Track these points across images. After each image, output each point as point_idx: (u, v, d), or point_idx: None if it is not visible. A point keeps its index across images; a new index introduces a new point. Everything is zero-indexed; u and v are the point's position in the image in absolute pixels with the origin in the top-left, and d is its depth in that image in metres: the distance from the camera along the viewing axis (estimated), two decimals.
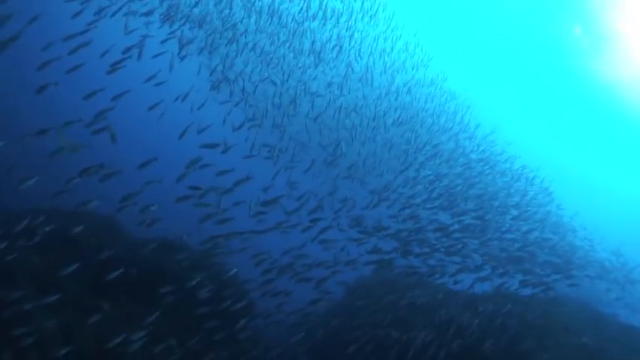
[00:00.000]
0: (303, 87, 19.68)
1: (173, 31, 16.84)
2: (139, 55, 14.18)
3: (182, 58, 15.49)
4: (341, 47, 20.67)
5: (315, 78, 20.56)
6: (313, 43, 19.68)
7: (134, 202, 12.22)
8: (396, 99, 21.51)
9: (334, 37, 21.22)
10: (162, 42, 16.19)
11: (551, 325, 16.45)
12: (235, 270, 15.12)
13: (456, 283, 18.04)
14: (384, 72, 22.74)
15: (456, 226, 19.95)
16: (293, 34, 19.87)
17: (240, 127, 16.07)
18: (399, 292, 18.84)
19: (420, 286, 19.39)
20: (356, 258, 16.74)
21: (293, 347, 17.10)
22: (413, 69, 23.43)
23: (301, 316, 16.09)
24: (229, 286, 15.09)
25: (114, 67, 12.62)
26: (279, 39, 20.02)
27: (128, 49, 13.93)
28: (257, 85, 18.71)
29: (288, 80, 19.05)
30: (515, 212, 21.83)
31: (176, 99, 14.97)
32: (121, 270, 12.35)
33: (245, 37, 19.60)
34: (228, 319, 14.34)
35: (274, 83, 18.31)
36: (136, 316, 12.21)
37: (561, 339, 15.39)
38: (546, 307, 18.93)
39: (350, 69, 21.05)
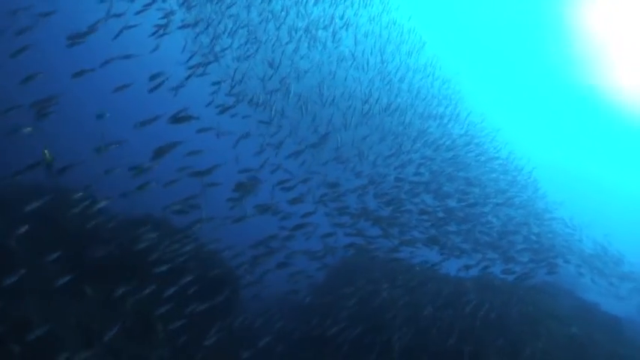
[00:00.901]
0: (294, 67, 18.14)
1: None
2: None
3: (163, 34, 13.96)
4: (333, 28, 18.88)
5: (304, 58, 19.08)
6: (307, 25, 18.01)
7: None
8: (388, 83, 20.26)
9: (327, 17, 19.88)
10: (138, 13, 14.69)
11: (541, 313, 16.11)
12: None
13: (434, 265, 17.44)
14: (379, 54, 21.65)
15: (439, 211, 19.34)
16: (286, 13, 18.32)
17: (227, 108, 14.70)
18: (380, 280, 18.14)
19: (403, 272, 18.68)
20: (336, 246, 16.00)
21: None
22: (407, 55, 22.54)
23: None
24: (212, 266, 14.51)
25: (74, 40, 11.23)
26: (271, 16, 18.57)
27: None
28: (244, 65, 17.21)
29: (279, 63, 17.64)
30: (500, 199, 21.29)
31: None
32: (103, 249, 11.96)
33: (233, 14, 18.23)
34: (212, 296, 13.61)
35: (270, 65, 17.19)
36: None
37: (552, 328, 15.00)
38: (534, 294, 18.68)
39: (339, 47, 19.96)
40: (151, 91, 12.28)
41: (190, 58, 16.23)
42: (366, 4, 21.06)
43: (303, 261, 15.40)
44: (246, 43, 18.39)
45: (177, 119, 11.83)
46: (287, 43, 18.86)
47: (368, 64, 20.16)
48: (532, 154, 42.21)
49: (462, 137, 21.69)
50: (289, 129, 17.47)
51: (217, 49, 17.63)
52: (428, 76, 22.23)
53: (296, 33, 18.59)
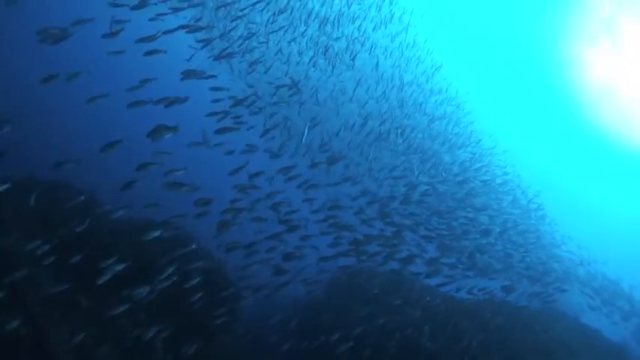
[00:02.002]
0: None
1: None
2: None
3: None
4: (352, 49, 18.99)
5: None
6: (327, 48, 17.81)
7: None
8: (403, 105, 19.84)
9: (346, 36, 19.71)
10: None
11: (553, 342, 15.99)
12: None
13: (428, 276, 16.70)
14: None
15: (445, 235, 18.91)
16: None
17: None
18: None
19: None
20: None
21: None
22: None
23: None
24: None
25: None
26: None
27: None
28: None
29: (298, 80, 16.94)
30: (507, 225, 20.76)
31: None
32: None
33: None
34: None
35: (293, 84, 16.34)
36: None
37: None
38: (543, 321, 18.35)
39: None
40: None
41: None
42: (385, 23, 20.47)
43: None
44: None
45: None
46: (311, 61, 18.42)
47: (387, 85, 19.64)
48: (539, 175, 42.50)
49: (471, 161, 21.25)
50: (300, 144, 16.81)
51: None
52: (443, 100, 21.93)
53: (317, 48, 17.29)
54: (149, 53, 12.14)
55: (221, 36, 16.81)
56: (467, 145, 21.74)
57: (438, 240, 18.98)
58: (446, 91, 22.61)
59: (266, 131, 13.67)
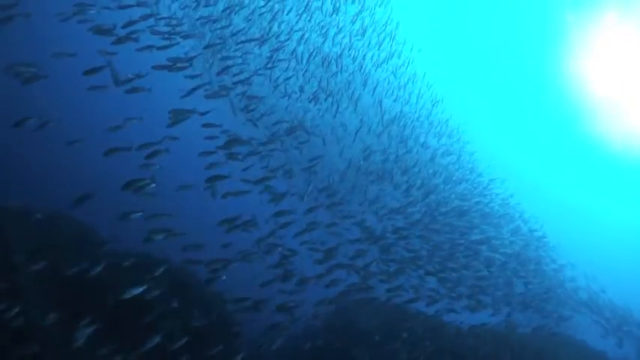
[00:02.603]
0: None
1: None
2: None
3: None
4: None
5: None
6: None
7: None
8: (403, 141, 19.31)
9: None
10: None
11: None
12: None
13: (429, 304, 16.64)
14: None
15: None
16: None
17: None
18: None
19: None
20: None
21: None
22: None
23: None
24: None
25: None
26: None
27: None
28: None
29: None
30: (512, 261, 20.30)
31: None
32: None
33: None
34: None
35: (306, 131, 16.45)
36: None
37: None
38: (553, 347, 18.17)
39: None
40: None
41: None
42: (387, 59, 20.02)
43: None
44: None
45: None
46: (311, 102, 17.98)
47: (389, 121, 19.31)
48: (541, 191, 43.63)
49: (472, 194, 20.94)
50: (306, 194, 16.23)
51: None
52: (443, 133, 21.57)
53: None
54: (132, 91, 11.22)
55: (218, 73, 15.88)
56: (467, 178, 21.35)
57: (440, 274, 18.07)
58: (445, 122, 22.21)
59: (264, 178, 12.40)
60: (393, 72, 20.46)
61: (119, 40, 11.85)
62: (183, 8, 18.35)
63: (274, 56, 17.54)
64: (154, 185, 9.87)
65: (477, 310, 18.47)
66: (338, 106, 18.28)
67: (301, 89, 18.20)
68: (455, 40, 44.31)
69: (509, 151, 48.46)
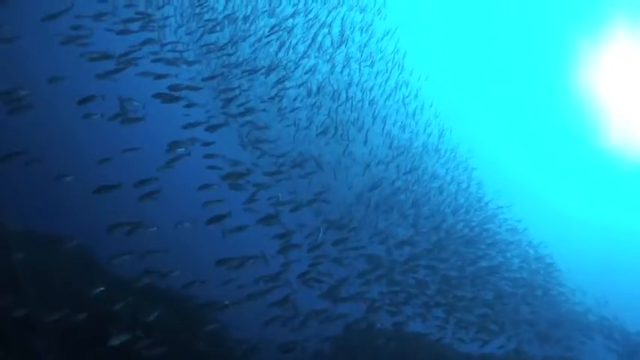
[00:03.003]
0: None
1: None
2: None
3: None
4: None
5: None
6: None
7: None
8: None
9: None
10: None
11: None
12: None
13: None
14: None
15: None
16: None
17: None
18: None
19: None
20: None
21: None
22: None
23: None
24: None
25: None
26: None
27: None
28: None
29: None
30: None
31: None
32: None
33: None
34: None
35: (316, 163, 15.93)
36: None
37: None
38: None
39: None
40: None
41: None
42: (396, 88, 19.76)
43: None
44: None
45: None
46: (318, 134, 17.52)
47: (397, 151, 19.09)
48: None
49: (480, 223, 20.32)
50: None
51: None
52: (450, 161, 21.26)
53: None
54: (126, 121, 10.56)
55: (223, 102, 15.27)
56: (475, 206, 20.96)
57: (448, 304, 17.62)
58: (453, 151, 21.86)
59: (270, 216, 11.65)
60: (402, 101, 20.23)
61: (119, 66, 11.23)
62: (189, 34, 17.90)
63: (281, 85, 16.96)
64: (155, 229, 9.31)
65: (485, 340, 17.74)
66: (348, 137, 17.91)
67: (309, 119, 17.59)
68: (463, 65, 44.07)
69: (520, 169, 48.09)
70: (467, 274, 18.50)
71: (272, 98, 17.02)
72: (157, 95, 11.46)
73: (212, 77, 16.12)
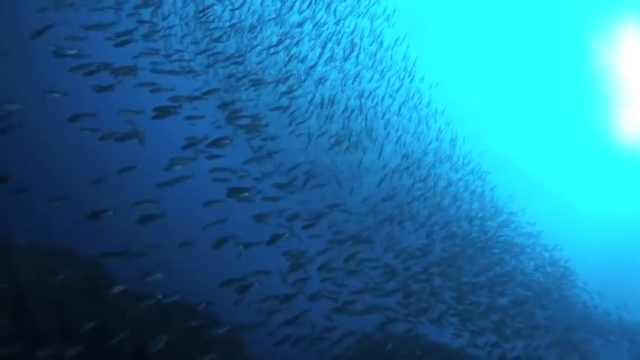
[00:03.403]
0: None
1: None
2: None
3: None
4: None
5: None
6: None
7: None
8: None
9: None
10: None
11: None
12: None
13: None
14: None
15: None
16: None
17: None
18: None
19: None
20: None
21: None
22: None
23: None
24: None
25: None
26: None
27: None
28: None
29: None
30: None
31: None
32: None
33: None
34: None
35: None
36: None
37: None
38: None
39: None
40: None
41: None
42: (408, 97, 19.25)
43: None
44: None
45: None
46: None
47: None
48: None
49: (496, 231, 19.86)
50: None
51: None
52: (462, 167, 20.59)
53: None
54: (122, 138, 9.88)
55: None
56: (490, 214, 20.42)
57: (464, 312, 17.15)
58: (465, 157, 21.14)
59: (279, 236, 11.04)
60: (415, 108, 19.75)
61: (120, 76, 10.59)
62: (195, 43, 17.33)
63: (291, 95, 16.37)
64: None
65: (502, 346, 17.16)
66: (364, 148, 17.65)
67: (321, 130, 17.02)
68: (474, 67, 43.56)
69: (535, 167, 46.99)
70: (482, 280, 17.94)
71: (283, 109, 16.47)
72: (159, 108, 10.84)
73: (213, 90, 15.65)
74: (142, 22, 12.59)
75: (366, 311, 14.07)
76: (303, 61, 18.23)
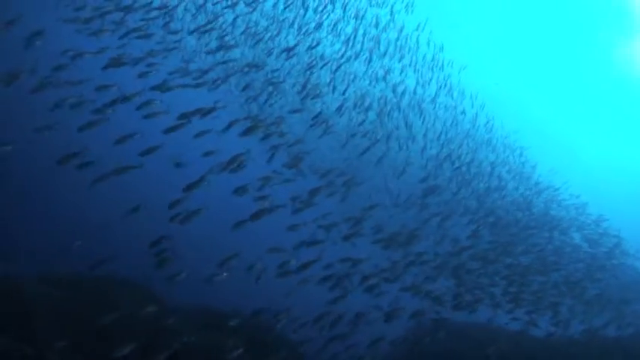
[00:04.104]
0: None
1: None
2: None
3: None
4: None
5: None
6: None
7: None
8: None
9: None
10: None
11: None
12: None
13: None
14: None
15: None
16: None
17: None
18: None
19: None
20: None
21: None
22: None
23: None
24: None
25: None
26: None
27: None
28: None
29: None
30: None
31: None
32: None
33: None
34: None
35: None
36: None
37: None
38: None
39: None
40: None
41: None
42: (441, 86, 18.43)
43: None
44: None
45: None
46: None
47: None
48: None
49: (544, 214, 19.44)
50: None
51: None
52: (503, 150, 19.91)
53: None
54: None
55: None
56: (534, 191, 19.76)
57: (518, 293, 16.48)
58: (503, 138, 20.57)
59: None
60: (449, 93, 18.91)
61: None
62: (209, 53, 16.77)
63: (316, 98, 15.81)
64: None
65: (557, 324, 16.84)
66: (400, 144, 16.84)
67: (357, 129, 16.35)
68: (501, 46, 41.97)
69: (575, 138, 45.42)
70: (533, 261, 17.38)
71: (316, 114, 15.79)
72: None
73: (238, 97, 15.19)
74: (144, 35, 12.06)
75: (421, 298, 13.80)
76: (325, 62, 17.75)
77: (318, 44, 17.09)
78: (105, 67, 10.65)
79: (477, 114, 19.46)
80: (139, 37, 12.43)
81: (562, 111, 46.41)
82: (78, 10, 12.45)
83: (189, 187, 9.52)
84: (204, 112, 10.78)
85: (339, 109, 16.27)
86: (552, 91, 45.50)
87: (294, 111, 15.45)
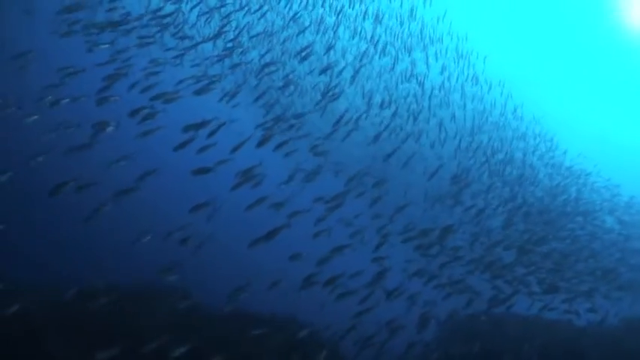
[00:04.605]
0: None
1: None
2: None
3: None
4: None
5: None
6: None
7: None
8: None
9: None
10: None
11: None
12: None
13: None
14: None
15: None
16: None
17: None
18: None
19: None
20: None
21: None
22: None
23: None
24: None
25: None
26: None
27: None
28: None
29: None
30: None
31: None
32: None
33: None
34: None
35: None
36: None
37: None
38: None
39: None
40: None
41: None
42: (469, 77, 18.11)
43: None
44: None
45: None
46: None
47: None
48: None
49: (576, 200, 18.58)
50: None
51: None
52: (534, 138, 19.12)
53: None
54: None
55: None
56: (565, 176, 18.92)
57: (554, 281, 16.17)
58: (532, 123, 19.79)
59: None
60: (476, 83, 17.96)
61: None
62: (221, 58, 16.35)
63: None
64: None
65: (595, 309, 16.03)
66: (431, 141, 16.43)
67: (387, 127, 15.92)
68: (521, 33, 40.71)
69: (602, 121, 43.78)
70: (567, 247, 16.88)
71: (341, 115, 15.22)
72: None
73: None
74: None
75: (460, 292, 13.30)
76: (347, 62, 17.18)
77: (334, 44, 16.72)
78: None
79: (505, 103, 18.83)
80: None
81: (586, 96, 45.44)
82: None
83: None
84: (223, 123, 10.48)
85: (367, 105, 15.94)
86: (576, 77, 44.50)
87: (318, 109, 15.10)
